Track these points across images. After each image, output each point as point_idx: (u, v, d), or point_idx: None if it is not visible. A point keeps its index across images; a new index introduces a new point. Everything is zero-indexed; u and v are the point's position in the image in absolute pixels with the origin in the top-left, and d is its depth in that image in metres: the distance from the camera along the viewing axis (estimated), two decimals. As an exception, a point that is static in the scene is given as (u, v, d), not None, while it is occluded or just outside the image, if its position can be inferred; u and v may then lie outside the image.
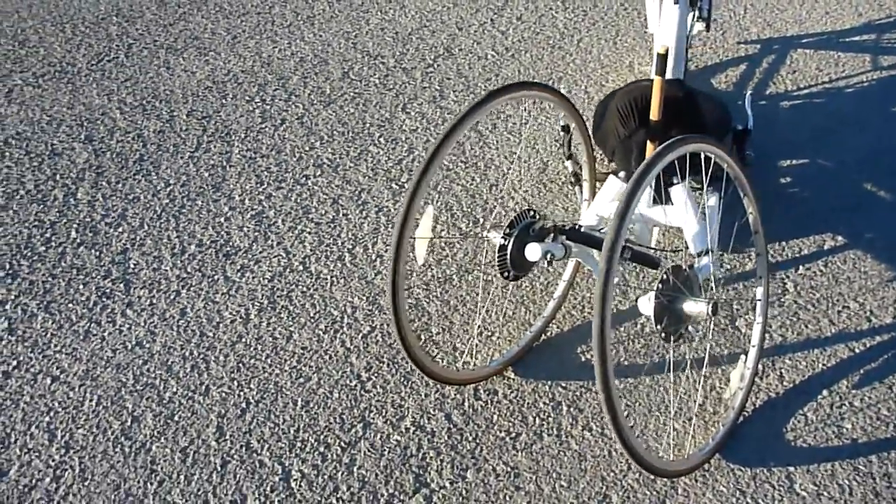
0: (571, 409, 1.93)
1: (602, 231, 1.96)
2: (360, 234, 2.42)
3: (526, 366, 2.02)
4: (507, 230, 1.78)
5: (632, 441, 1.60)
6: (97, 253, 2.36)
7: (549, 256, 1.76)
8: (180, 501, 1.73)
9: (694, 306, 1.71)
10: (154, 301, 2.20)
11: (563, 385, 1.99)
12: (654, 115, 1.81)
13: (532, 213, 1.82)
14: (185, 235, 2.42)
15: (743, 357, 1.92)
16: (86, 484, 1.75)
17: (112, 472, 1.78)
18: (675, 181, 1.90)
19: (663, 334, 1.70)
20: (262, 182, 2.64)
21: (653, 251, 1.92)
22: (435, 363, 1.86)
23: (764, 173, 2.68)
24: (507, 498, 1.74)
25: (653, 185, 1.93)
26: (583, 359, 2.05)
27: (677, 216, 1.93)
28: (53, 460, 1.81)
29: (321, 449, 1.84)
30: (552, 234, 1.85)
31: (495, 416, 1.91)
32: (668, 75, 2.69)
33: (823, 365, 2.04)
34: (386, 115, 2.98)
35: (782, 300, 2.23)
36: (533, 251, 1.77)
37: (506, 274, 1.82)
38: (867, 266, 2.33)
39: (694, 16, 2.98)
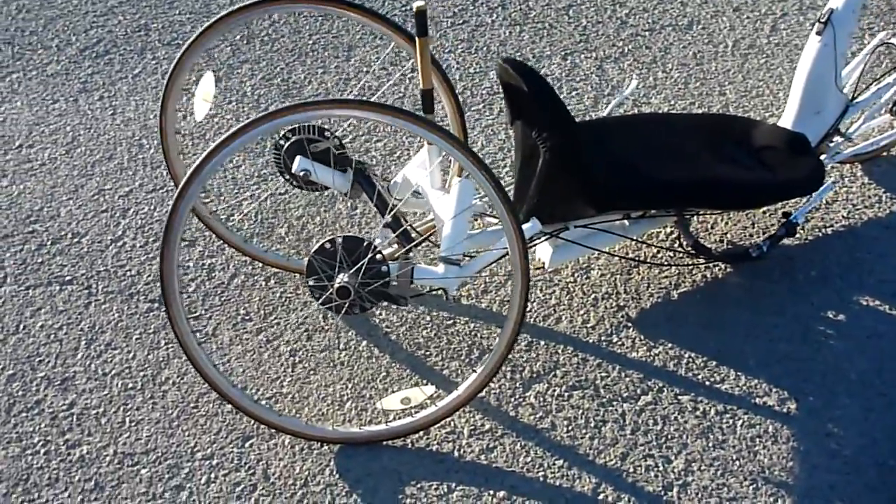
0: (273, 324, 1.96)
1: (406, 190, 1.85)
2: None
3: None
4: (288, 133, 1.83)
5: (207, 369, 1.64)
6: (151, 55, 2.96)
7: (304, 173, 1.78)
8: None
9: (338, 279, 1.59)
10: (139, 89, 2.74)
11: (302, 317, 2.00)
12: (422, 81, 1.57)
13: (327, 133, 1.82)
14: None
15: (430, 388, 1.69)
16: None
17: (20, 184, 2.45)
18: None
19: (311, 291, 1.64)
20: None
21: (413, 230, 1.75)
22: (213, 216, 2.08)
23: (802, 293, 1.99)
24: (157, 366, 1.94)
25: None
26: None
27: (444, 208, 1.70)
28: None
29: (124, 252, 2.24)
30: (348, 165, 1.82)
31: (235, 297, 2.05)
32: (789, 125, 2.11)
33: (543, 461, 1.66)
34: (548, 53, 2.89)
35: (615, 406, 1.78)
36: (296, 162, 1.80)
37: (286, 177, 1.88)
38: (765, 456, 1.69)
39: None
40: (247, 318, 2.02)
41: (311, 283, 1.64)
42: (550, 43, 2.96)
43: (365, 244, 1.61)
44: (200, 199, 2.06)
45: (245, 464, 1.71)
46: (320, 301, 1.63)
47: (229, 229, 2.08)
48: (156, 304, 2.06)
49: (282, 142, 1.86)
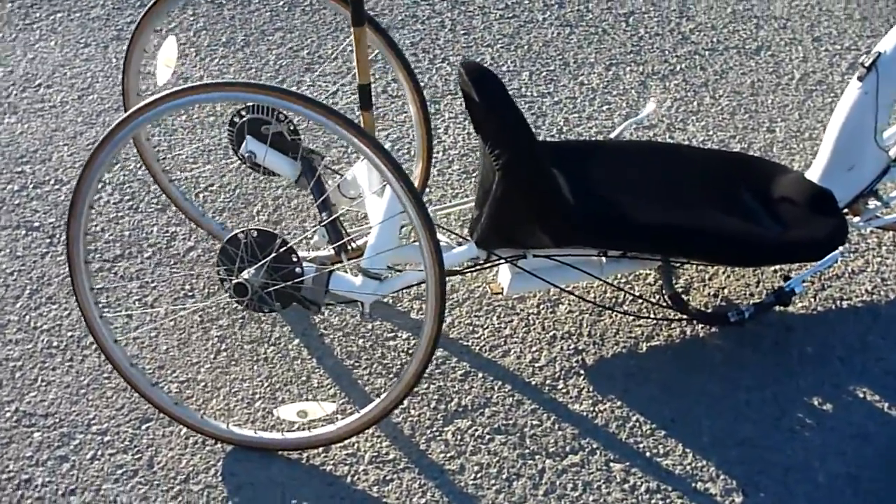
0: (212, 305, 1.87)
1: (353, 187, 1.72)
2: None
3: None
4: (243, 110, 1.72)
5: (106, 343, 1.58)
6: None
7: (249, 155, 1.68)
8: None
9: (245, 273, 1.48)
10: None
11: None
12: (358, 75, 1.42)
13: (283, 117, 1.70)
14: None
15: (330, 405, 1.57)
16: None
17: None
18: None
19: (221, 279, 1.54)
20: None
21: (343, 231, 1.61)
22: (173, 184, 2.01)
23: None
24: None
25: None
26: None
27: (375, 214, 1.55)
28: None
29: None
30: (299, 153, 1.71)
31: (186, 271, 1.98)
32: (816, 179, 1.86)
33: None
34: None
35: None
36: (245, 143, 1.70)
37: (241, 157, 1.78)
38: None
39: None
40: (190, 294, 1.95)
41: (220, 273, 1.54)
42: (598, 50, 2.74)
43: (278, 241, 1.49)
44: (161, 166, 1.99)
45: (135, 446, 1.64)
46: (227, 294, 1.53)
47: (188, 201, 2.01)
48: (108, 264, 2.02)
49: (236, 119, 1.76)
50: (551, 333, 1.85)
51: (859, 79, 1.76)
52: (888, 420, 1.69)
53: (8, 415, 1.71)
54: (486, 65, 2.66)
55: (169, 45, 1.80)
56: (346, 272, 1.58)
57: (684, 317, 1.83)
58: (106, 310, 1.90)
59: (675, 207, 1.73)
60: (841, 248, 1.69)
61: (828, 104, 2.51)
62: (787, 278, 1.77)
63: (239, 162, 2.23)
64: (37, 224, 2.13)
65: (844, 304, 1.92)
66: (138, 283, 1.97)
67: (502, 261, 1.70)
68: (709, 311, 1.87)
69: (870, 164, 1.84)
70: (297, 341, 1.83)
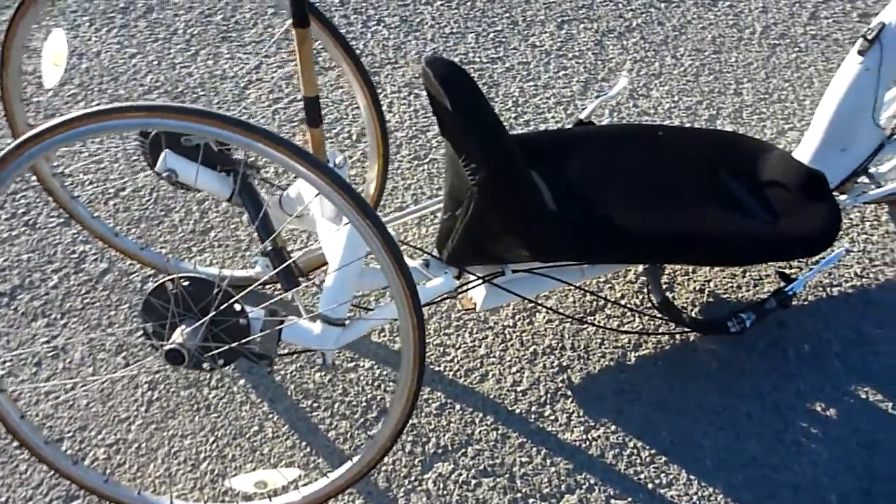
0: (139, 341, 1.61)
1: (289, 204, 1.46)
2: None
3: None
4: (156, 125, 1.43)
5: (11, 420, 1.29)
6: None
7: (169, 174, 1.39)
8: None
9: (178, 336, 1.22)
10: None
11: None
12: (302, 87, 1.16)
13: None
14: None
15: (292, 472, 1.35)
16: None
17: None
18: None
19: (146, 334, 1.27)
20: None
21: (293, 266, 1.36)
22: (75, 201, 1.68)
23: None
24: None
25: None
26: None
27: (332, 250, 1.31)
28: None
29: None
30: (230, 166, 1.44)
31: (101, 300, 1.69)
32: (806, 160, 1.69)
33: None
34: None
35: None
36: (161, 159, 1.41)
37: (158, 175, 1.49)
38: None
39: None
40: (109, 329, 1.67)
41: (147, 334, 1.27)
42: (547, 5, 2.49)
43: (216, 291, 1.23)
44: (60, 181, 1.66)
45: (60, 534, 1.39)
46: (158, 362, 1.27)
47: (95, 219, 1.70)
48: (5, 299, 1.70)
49: (148, 129, 1.46)
50: (531, 349, 1.66)
51: (860, 52, 1.58)
52: (894, 423, 1.58)
53: None
54: (427, 25, 2.38)
55: (56, 39, 1.46)
56: (301, 311, 1.34)
57: (673, 325, 1.67)
58: (8, 364, 1.60)
59: (659, 209, 1.53)
60: (847, 246, 1.55)
61: (793, 60, 2.35)
62: (783, 275, 1.62)
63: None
64: (-89, 251, 1.78)
65: (835, 290, 1.79)
66: (45, 322, 1.67)
67: (479, 282, 1.49)
68: (705, 319, 1.70)
69: (865, 142, 1.68)
70: (242, 381, 1.59)
